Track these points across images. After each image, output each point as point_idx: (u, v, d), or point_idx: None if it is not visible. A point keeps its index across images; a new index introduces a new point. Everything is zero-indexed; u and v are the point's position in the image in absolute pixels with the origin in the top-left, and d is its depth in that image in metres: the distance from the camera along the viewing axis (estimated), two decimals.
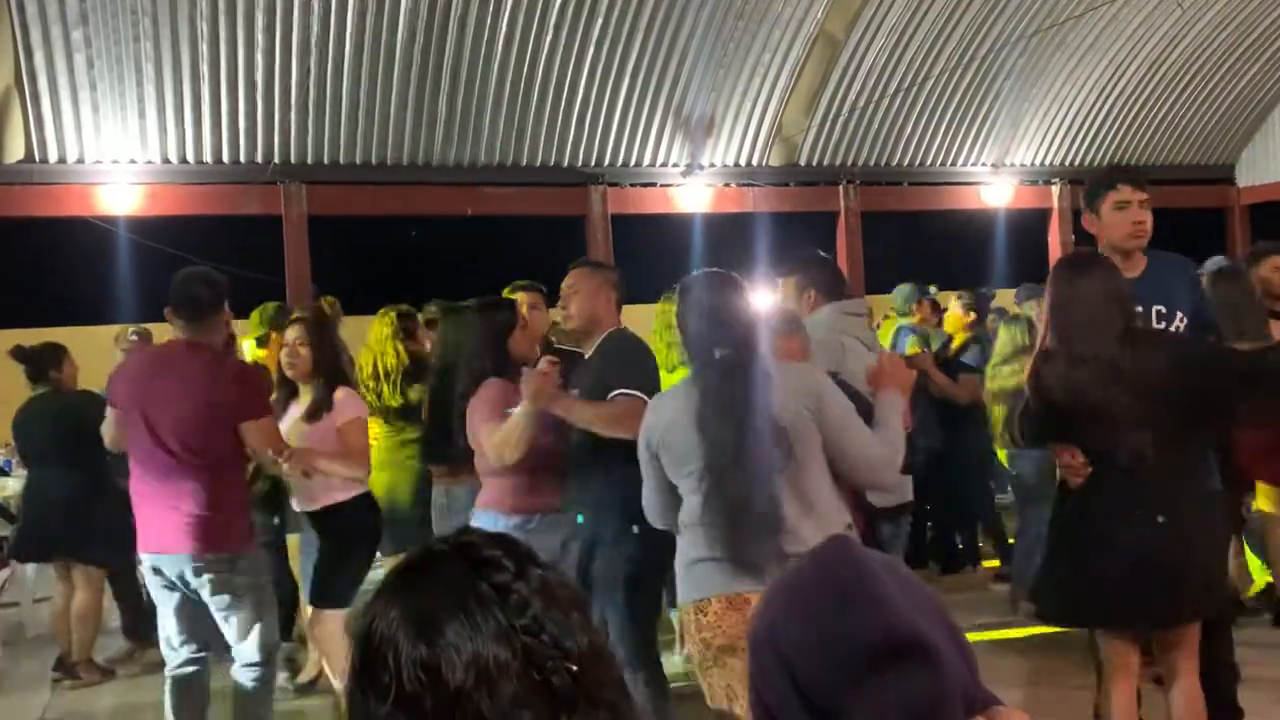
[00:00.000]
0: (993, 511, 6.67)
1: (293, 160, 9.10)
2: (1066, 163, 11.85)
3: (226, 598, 3.77)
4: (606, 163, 10.05)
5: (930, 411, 6.03)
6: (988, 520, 6.66)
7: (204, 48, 8.27)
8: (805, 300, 4.06)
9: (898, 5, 9.91)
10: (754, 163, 10.60)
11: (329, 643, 4.33)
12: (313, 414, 4.17)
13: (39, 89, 8.15)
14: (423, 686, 0.94)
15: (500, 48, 9.01)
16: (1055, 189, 11.93)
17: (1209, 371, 3.18)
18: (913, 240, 12.58)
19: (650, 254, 10.89)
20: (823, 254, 4.34)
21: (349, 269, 11.22)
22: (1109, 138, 11.85)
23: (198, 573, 3.73)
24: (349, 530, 4.30)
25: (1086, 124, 11.69)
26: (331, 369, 4.25)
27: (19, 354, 5.62)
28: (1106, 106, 11.59)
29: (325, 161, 9.22)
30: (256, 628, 3.81)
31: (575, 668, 0.97)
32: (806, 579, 1.15)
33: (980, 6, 10.14)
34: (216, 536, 3.74)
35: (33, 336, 6.16)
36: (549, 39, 9.08)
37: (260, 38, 8.35)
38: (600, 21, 9.13)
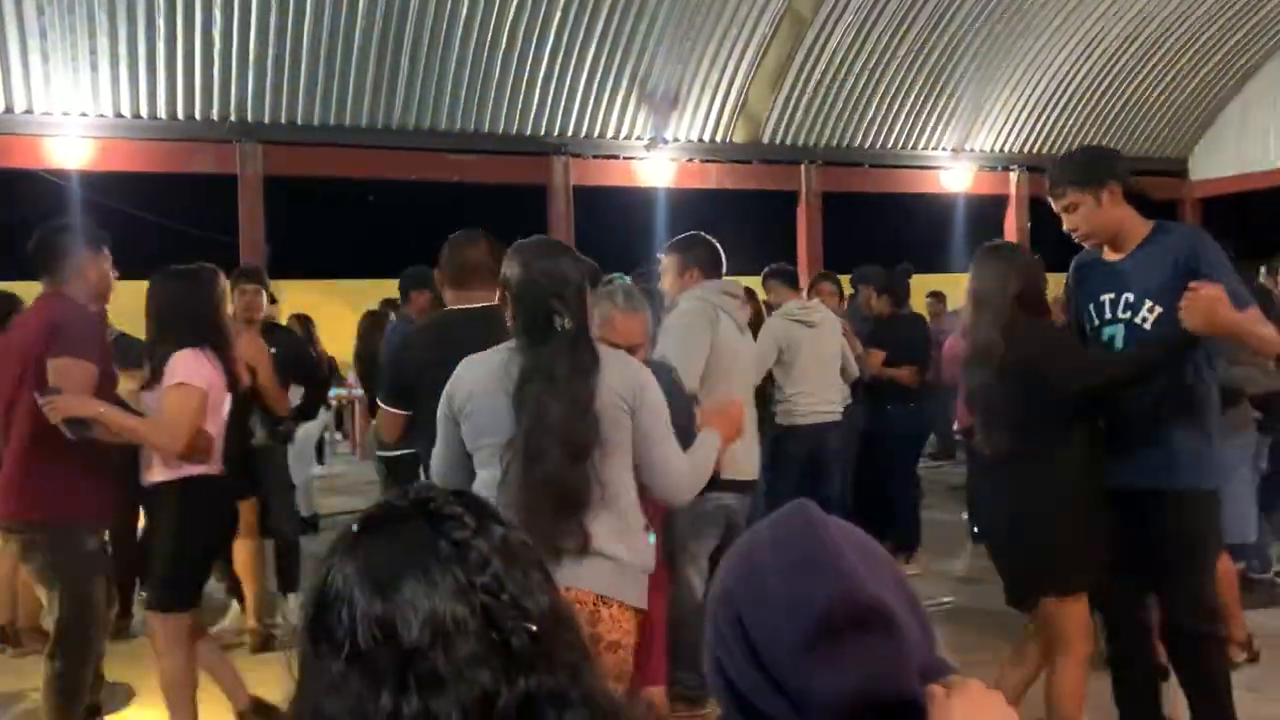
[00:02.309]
0: (908, 496, 6.71)
1: (249, 119, 8.93)
2: (1024, 150, 11.97)
3: (34, 570, 3.57)
4: (570, 133, 9.98)
5: (863, 394, 6.38)
6: (902, 505, 6.65)
7: None
8: (688, 277, 4.18)
9: None
10: (718, 139, 10.58)
11: (158, 643, 3.70)
12: (150, 378, 3.67)
13: None
14: (377, 643, 0.93)
15: (465, 11, 8.89)
16: (1013, 176, 12.05)
17: (1042, 363, 3.19)
18: (872, 222, 12.66)
19: (612, 227, 10.87)
20: (705, 235, 4.35)
21: (305, 231, 11.07)
22: (1066, 127, 11.98)
23: (7, 539, 3.58)
24: (162, 518, 3.66)
25: (1045, 113, 11.81)
26: (169, 330, 3.65)
27: None
28: (1065, 96, 11.71)
29: (283, 121, 9.06)
30: (63, 614, 3.48)
31: (535, 628, 0.96)
32: (766, 544, 1.15)
33: None
34: (20, 501, 3.52)
35: None
36: (514, 5, 8.98)
37: None
38: None
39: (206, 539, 3.72)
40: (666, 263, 4.24)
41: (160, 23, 8.19)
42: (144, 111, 8.61)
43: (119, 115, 8.56)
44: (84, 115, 8.44)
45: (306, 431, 8.31)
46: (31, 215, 9.77)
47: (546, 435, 2.56)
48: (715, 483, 2.91)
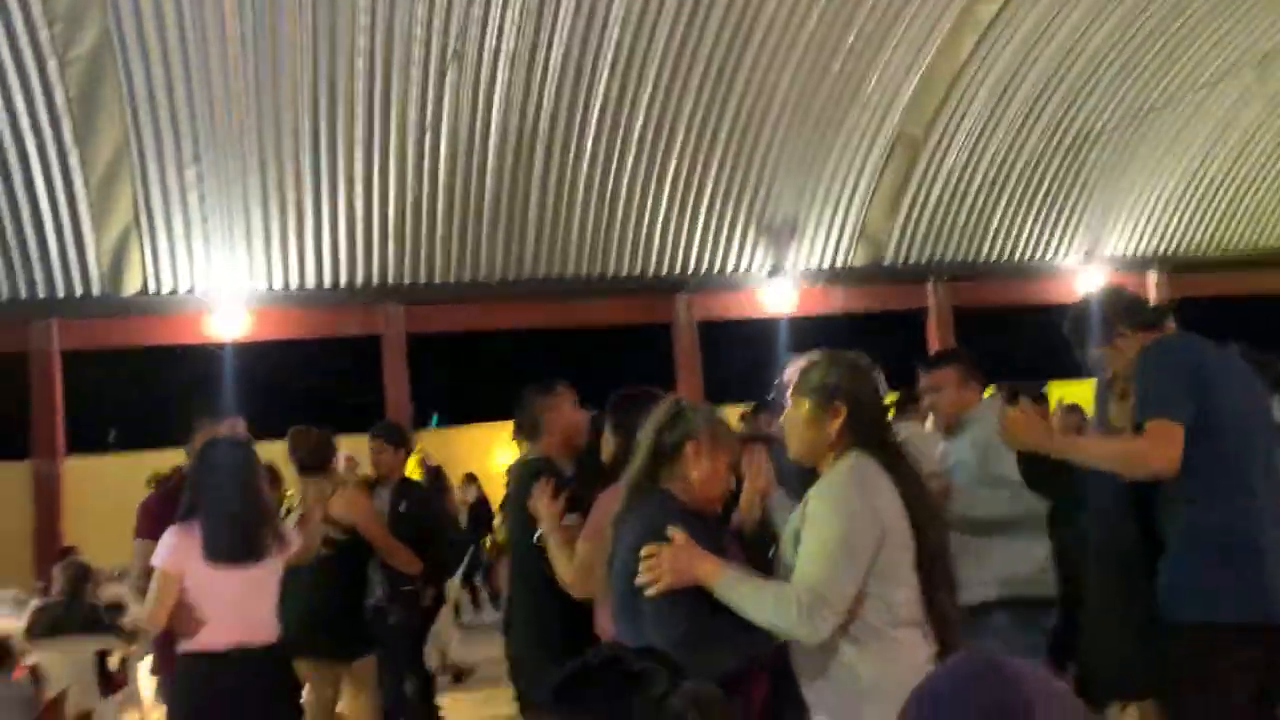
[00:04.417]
0: None
1: (390, 282, 9.43)
2: (1162, 250, 11.63)
3: None
4: (690, 270, 10.18)
5: None
6: None
7: (307, 179, 8.70)
8: (967, 392, 4.11)
9: (975, 106, 9.98)
10: (839, 264, 10.63)
11: None
12: None
13: (155, 224, 8.63)
14: None
15: (586, 166, 9.28)
16: (1152, 276, 11.69)
17: None
18: (1008, 333, 12.38)
19: (737, 357, 10.93)
20: (962, 347, 4.39)
21: (446, 383, 11.46)
22: (1202, 223, 11.63)
23: None
24: None
25: (1178, 211, 11.50)
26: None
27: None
28: (1197, 194, 11.40)
29: (421, 282, 9.52)
30: None
31: None
32: (946, 695, 1.07)
33: (1059, 103, 10.16)
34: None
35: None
36: (632, 156, 9.33)
37: (359, 168, 8.75)
38: (681, 136, 9.36)
39: (189, 716, 3.51)
40: (943, 379, 4.18)
41: (308, 202, 8.80)
42: (294, 283, 9.18)
43: (271, 288, 9.15)
44: (240, 290, 9.04)
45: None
46: (192, 386, 10.42)
47: (947, 541, 2.73)
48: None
